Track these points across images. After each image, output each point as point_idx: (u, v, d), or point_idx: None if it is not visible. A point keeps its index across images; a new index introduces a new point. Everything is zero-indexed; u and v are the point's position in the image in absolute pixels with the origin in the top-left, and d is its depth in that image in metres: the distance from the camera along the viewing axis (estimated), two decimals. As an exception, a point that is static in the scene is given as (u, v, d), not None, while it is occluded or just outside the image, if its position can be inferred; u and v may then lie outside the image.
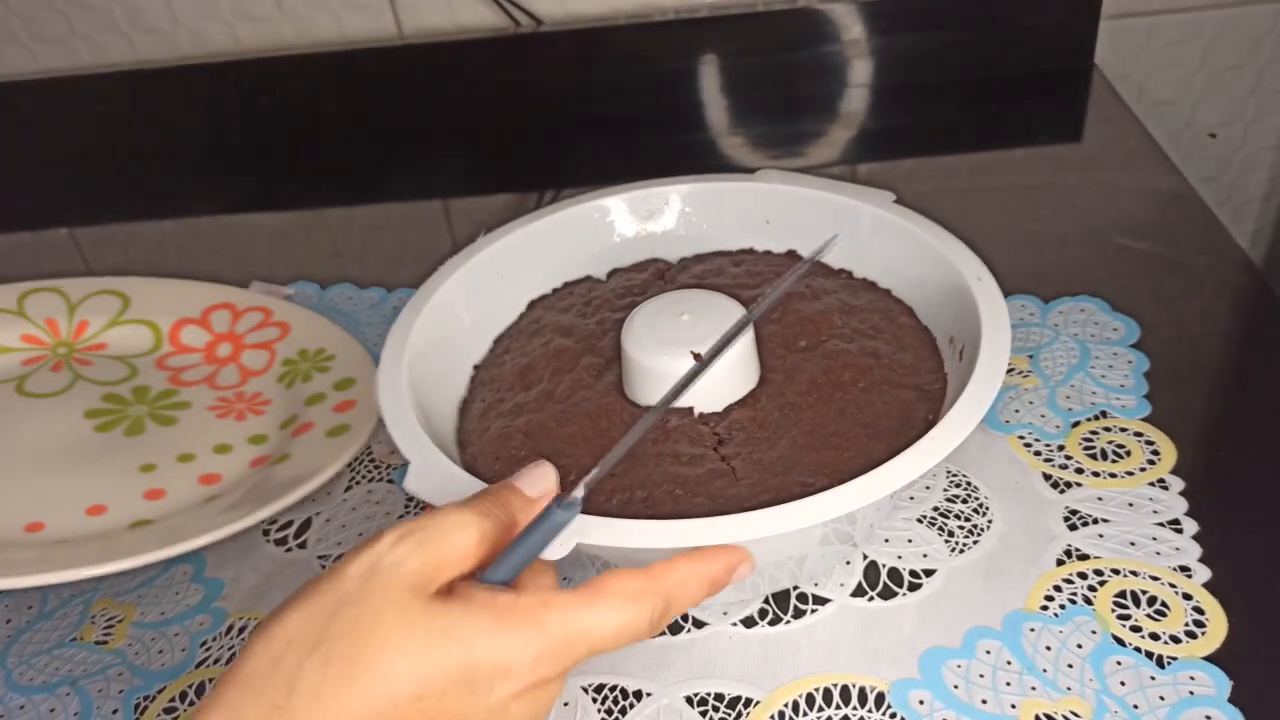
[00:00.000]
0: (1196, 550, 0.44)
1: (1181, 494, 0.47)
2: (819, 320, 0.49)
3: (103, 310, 0.63)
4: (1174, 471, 0.48)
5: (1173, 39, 0.83)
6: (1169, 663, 0.40)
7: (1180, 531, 0.45)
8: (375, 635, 0.29)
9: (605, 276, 0.55)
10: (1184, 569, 0.43)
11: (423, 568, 0.30)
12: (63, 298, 0.63)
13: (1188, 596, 0.42)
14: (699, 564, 0.34)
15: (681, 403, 0.44)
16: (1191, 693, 0.39)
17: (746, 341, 0.45)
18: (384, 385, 0.44)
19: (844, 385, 0.46)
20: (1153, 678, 0.40)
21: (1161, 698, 0.39)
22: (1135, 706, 0.39)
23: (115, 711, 0.43)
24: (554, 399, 0.47)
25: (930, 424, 0.43)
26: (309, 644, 0.29)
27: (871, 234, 0.53)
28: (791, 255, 0.55)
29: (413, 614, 0.29)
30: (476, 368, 0.51)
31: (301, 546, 0.50)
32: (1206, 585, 0.43)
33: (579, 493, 0.34)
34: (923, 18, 0.82)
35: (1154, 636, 0.41)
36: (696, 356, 0.43)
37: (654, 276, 0.55)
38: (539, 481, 0.35)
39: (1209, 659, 0.40)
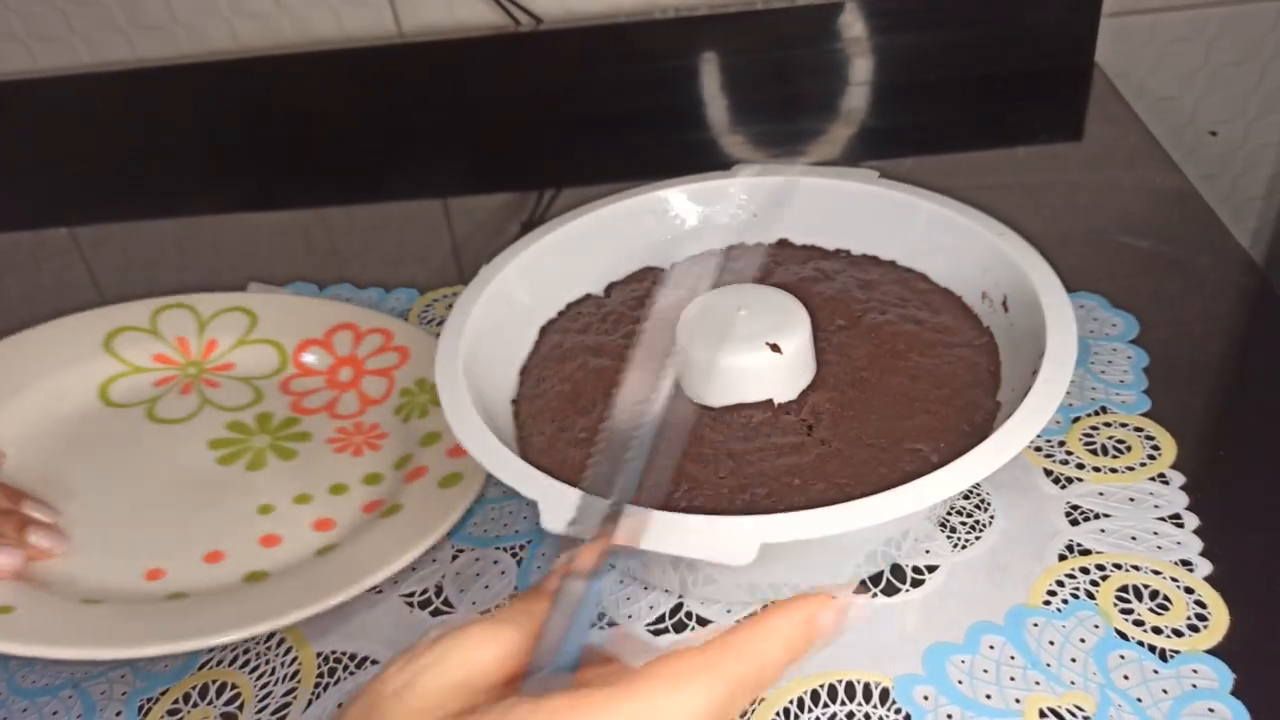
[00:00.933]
0: (1198, 544, 0.44)
1: (1182, 489, 0.47)
2: (844, 299, 0.50)
3: (231, 328, 0.61)
4: (1174, 466, 0.48)
5: (1174, 36, 0.83)
6: (1172, 656, 0.40)
7: (1181, 526, 0.45)
8: None
9: (604, 292, 0.55)
10: (1185, 563, 0.43)
11: (427, 693, 0.26)
12: (193, 314, 0.61)
13: (1189, 590, 0.42)
14: (767, 623, 0.28)
15: (756, 396, 0.44)
16: (1194, 685, 0.39)
17: (808, 326, 0.45)
18: (470, 439, 0.41)
19: (901, 354, 0.46)
20: (1156, 671, 0.40)
21: (1165, 691, 0.39)
22: (1139, 700, 0.39)
23: (119, 714, 0.43)
24: None
25: (995, 375, 0.45)
26: None
27: (865, 209, 0.53)
28: (784, 244, 0.55)
29: None
30: (514, 402, 0.49)
31: (302, 543, 0.50)
32: (1208, 579, 0.43)
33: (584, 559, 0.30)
34: (923, 16, 0.82)
35: (1156, 630, 0.41)
36: (774, 348, 0.43)
37: (654, 285, 0.54)
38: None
39: (1211, 652, 0.40)
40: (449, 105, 0.88)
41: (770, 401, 0.44)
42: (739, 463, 0.42)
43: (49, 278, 0.77)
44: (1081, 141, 0.79)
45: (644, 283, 0.54)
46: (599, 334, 0.51)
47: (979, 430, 0.43)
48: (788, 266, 0.53)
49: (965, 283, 0.50)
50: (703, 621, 0.44)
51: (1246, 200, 0.92)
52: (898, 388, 0.45)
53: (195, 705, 0.43)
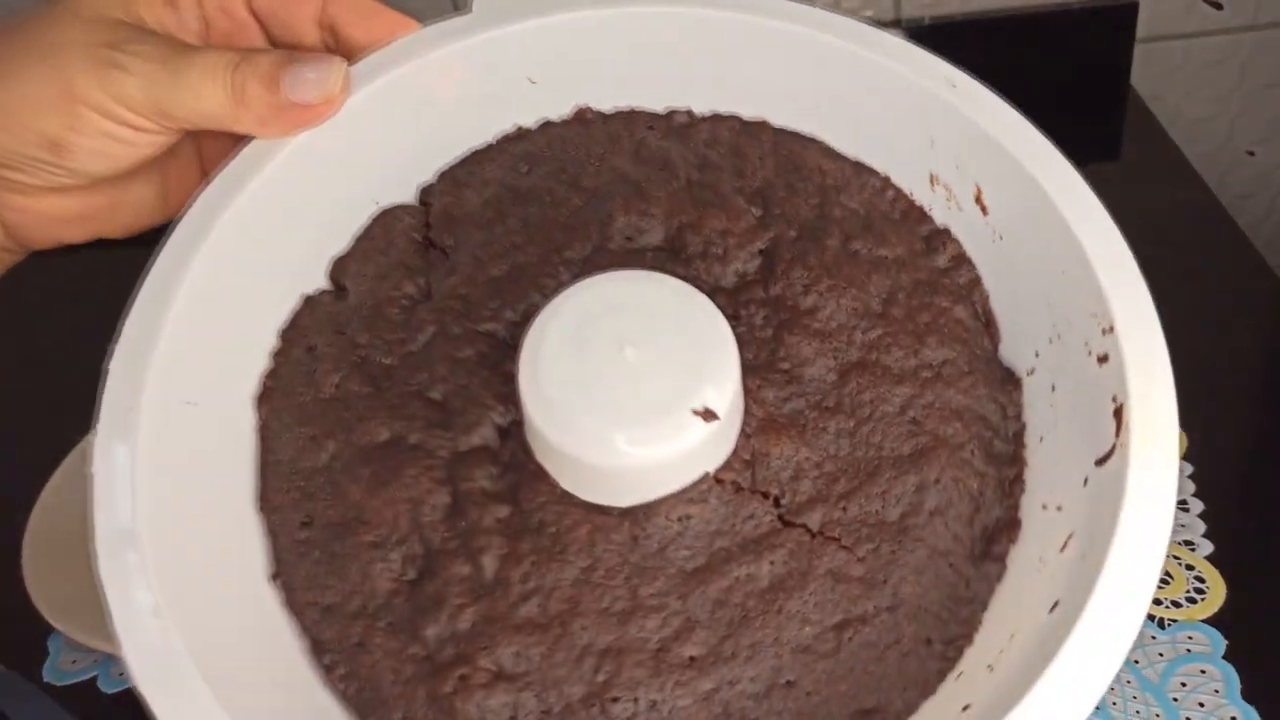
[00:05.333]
0: (1201, 526, 0.48)
1: (1190, 477, 0.50)
2: (719, 211, 0.31)
3: None
4: (1184, 458, 0.51)
5: (1208, 60, 0.87)
6: (1169, 624, 0.44)
7: (1187, 510, 0.48)
8: None
9: (331, 284, 0.32)
10: (1188, 543, 0.47)
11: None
12: None
13: (1190, 567, 0.46)
14: None
15: (684, 480, 0.27)
16: (1189, 650, 0.42)
17: (733, 348, 0.28)
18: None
19: (867, 320, 0.30)
20: (1153, 637, 0.43)
21: (1160, 654, 0.42)
22: (1136, 662, 0.42)
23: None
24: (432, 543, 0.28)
25: (988, 319, 0.31)
26: None
27: (706, 44, 0.33)
28: (584, 118, 0.34)
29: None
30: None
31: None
32: (1209, 558, 0.46)
33: None
34: (964, 40, 0.86)
35: (1157, 602, 0.45)
36: (706, 415, 0.26)
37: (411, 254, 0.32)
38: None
39: (1207, 621, 0.43)
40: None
41: (707, 478, 0.27)
42: (699, 616, 0.26)
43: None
44: (1117, 163, 0.83)
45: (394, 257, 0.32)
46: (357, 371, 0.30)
47: (1008, 422, 0.30)
48: (611, 164, 0.33)
49: (895, 156, 0.33)
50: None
51: (1286, 219, 0.95)
52: (869, 387, 0.29)
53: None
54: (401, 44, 0.31)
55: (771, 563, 0.27)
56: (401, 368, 0.29)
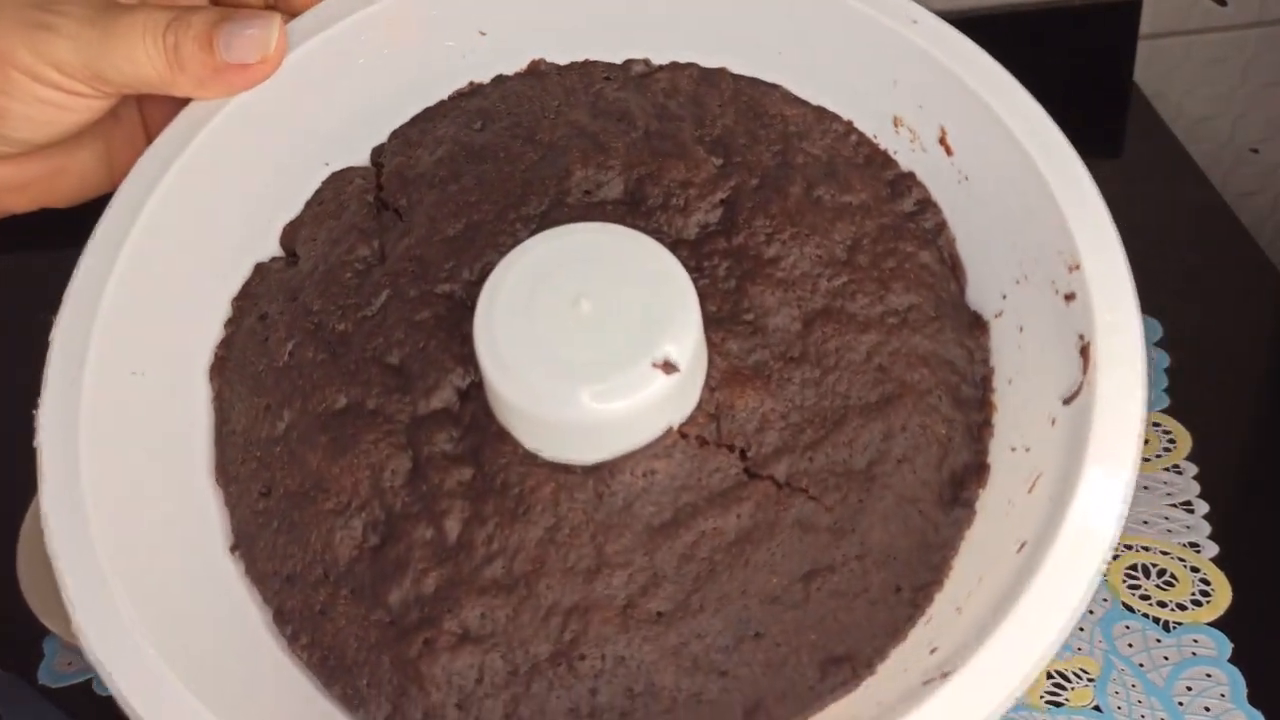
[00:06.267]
0: (1206, 528, 0.47)
1: (1195, 478, 0.50)
2: (677, 162, 0.31)
3: None
4: (1189, 458, 0.51)
5: (1211, 57, 0.86)
6: (1175, 627, 0.43)
7: (1192, 511, 0.48)
8: None
9: (285, 252, 0.32)
10: (1193, 545, 0.46)
11: None
12: None
13: (1195, 570, 0.45)
14: None
15: (648, 435, 0.27)
16: (1194, 654, 0.42)
17: (693, 298, 0.27)
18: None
19: (830, 268, 0.30)
20: (1158, 640, 0.43)
21: (1166, 658, 0.42)
22: (1141, 665, 0.42)
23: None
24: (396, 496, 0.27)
25: (955, 265, 0.31)
26: None
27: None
28: (538, 70, 0.33)
29: None
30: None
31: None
32: (1214, 560, 0.46)
33: None
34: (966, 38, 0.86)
35: (1162, 604, 0.44)
36: (667, 366, 0.26)
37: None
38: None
39: (1213, 624, 0.43)
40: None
41: (671, 432, 0.27)
42: (666, 571, 0.26)
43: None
44: (1119, 159, 0.82)
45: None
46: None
47: (975, 366, 0.30)
48: (568, 118, 0.32)
49: (858, 100, 0.32)
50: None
51: (1289, 216, 0.94)
52: (834, 335, 0.29)
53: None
54: None
55: (738, 515, 0.26)
56: (357, 333, 0.29)
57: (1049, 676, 0.42)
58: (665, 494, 0.26)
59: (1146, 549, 0.47)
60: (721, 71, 0.33)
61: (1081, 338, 0.27)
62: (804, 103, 0.32)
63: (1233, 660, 0.41)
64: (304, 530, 0.27)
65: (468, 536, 0.26)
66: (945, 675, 0.22)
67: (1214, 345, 0.58)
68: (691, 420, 0.27)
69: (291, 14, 0.30)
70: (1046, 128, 0.29)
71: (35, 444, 0.25)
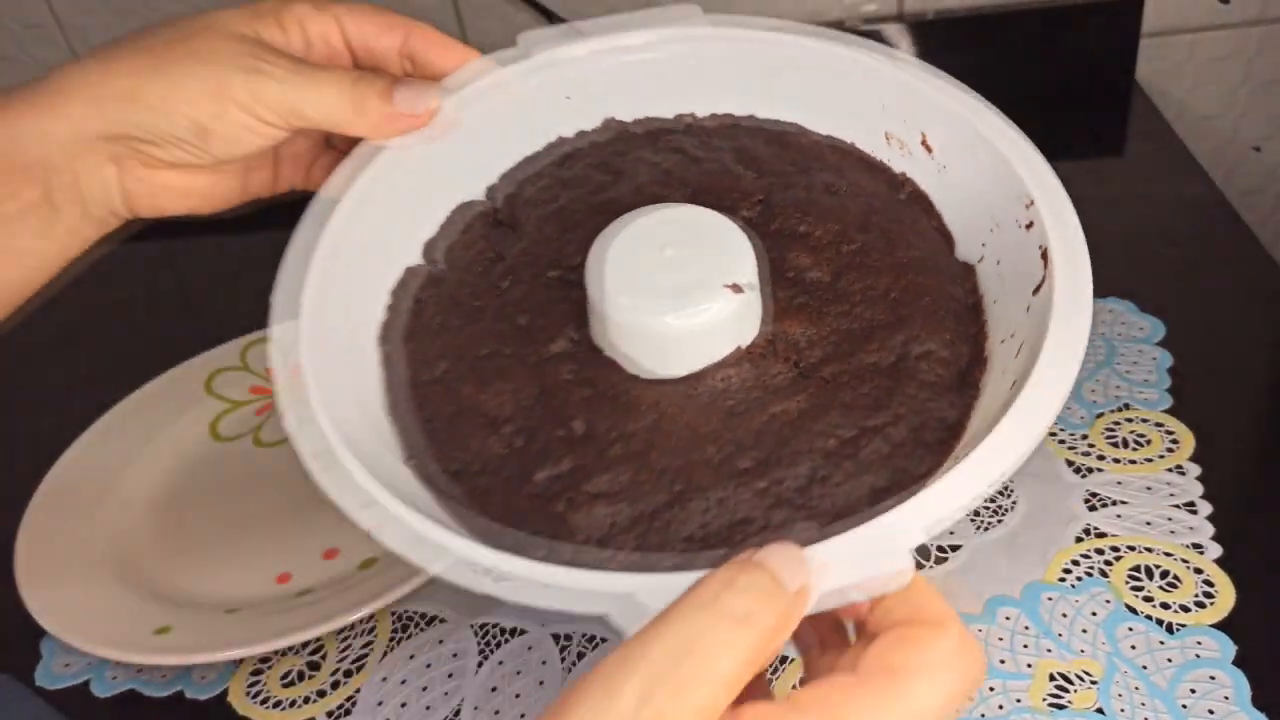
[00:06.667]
0: (1210, 530, 0.47)
1: (1198, 479, 0.49)
2: (730, 182, 0.41)
3: None
4: (1192, 459, 0.51)
5: (1214, 55, 0.86)
6: (1178, 629, 0.43)
7: (1195, 513, 0.48)
8: None
9: (429, 258, 0.41)
10: (1197, 546, 0.46)
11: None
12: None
13: (1199, 571, 0.45)
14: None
15: (722, 351, 0.36)
16: (1198, 656, 0.42)
17: (747, 243, 0.36)
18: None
19: (842, 238, 0.39)
20: (1161, 642, 0.43)
21: (1169, 660, 0.42)
22: (1144, 667, 0.42)
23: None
24: (550, 398, 0.36)
25: (944, 233, 0.40)
26: None
27: (701, 59, 0.43)
28: (614, 127, 0.44)
29: None
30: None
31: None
32: (1218, 561, 0.45)
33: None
34: (968, 34, 0.86)
35: (1165, 606, 0.44)
36: (735, 288, 0.35)
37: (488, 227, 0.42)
38: (795, 570, 0.25)
39: (1216, 626, 0.43)
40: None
41: (739, 350, 0.36)
42: (747, 442, 0.34)
43: (141, 288, 0.83)
44: (1121, 158, 0.82)
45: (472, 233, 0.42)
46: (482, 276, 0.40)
47: (968, 297, 0.38)
48: (637, 155, 0.43)
49: (856, 123, 0.42)
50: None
51: (1291, 215, 0.94)
52: (857, 281, 0.38)
53: (283, 654, 0.48)
54: (467, 70, 0.41)
55: (798, 400, 0.35)
56: (490, 305, 0.38)
57: (1051, 679, 0.42)
58: (739, 391, 0.35)
59: (1150, 550, 0.46)
60: (750, 117, 0.44)
61: (1040, 247, 0.34)
62: (815, 134, 0.43)
63: (1236, 662, 0.41)
64: (465, 438, 0.35)
65: (591, 430, 0.34)
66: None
67: (1217, 345, 0.58)
68: (754, 344, 0.36)
69: (431, 78, 0.40)
70: (993, 117, 0.38)
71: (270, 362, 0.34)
